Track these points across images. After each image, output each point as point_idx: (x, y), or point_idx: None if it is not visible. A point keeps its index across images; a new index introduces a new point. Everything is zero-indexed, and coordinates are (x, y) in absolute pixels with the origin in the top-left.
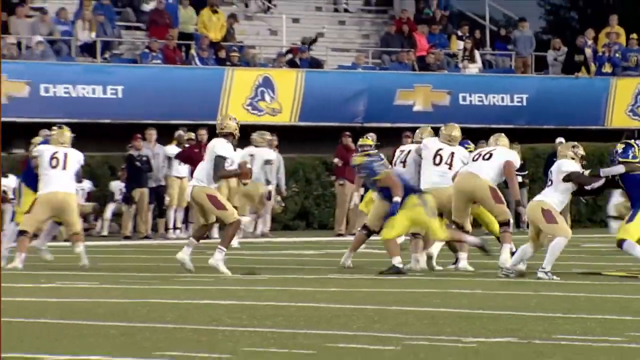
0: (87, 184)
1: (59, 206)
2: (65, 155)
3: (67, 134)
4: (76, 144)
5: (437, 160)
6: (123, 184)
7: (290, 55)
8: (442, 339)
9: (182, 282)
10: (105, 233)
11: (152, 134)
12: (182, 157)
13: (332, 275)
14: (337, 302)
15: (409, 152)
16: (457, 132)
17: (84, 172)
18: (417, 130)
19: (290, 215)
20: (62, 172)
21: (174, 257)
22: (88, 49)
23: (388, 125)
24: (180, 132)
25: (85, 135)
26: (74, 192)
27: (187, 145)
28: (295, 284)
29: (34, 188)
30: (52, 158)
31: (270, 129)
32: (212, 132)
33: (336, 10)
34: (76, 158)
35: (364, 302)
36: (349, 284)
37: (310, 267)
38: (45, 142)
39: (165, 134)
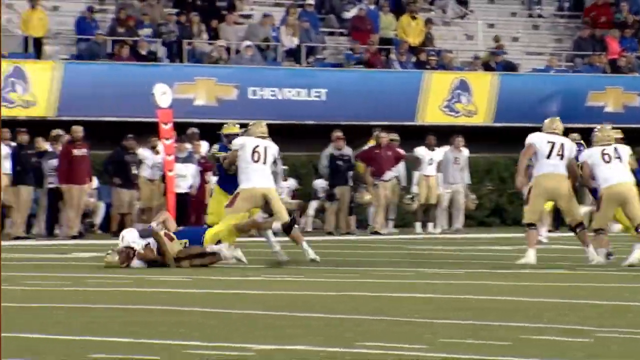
0: (292, 182)
1: (259, 202)
2: (265, 149)
3: (264, 123)
4: (281, 144)
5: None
6: (326, 182)
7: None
8: (634, 331)
9: (381, 276)
10: (309, 229)
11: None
12: (363, 157)
13: (526, 270)
14: (529, 296)
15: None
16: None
17: (289, 171)
18: None
19: (486, 212)
20: (262, 166)
21: (373, 252)
22: (293, 54)
23: (580, 125)
24: (377, 132)
25: (290, 136)
26: (274, 186)
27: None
28: (488, 278)
29: (228, 189)
30: (253, 152)
31: (466, 130)
32: (406, 134)
33: (530, 15)
34: (272, 151)
35: (555, 296)
36: (541, 278)
37: (504, 262)
38: (223, 147)
39: (366, 134)
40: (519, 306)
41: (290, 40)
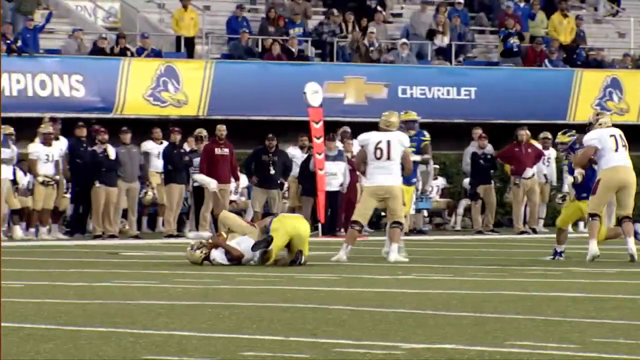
0: (441, 181)
1: (384, 197)
2: (389, 143)
3: (395, 113)
4: (430, 142)
5: None
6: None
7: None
8: None
9: (530, 275)
10: (458, 227)
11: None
12: (503, 155)
13: None
14: None
15: None
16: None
17: (440, 171)
18: None
19: None
20: (386, 163)
21: (518, 251)
22: (443, 53)
23: None
24: (522, 131)
25: (440, 135)
26: (398, 184)
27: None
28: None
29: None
30: (376, 148)
31: (618, 128)
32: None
33: None
34: (397, 144)
35: None
36: None
37: None
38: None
39: (511, 133)
40: None
41: (440, 39)
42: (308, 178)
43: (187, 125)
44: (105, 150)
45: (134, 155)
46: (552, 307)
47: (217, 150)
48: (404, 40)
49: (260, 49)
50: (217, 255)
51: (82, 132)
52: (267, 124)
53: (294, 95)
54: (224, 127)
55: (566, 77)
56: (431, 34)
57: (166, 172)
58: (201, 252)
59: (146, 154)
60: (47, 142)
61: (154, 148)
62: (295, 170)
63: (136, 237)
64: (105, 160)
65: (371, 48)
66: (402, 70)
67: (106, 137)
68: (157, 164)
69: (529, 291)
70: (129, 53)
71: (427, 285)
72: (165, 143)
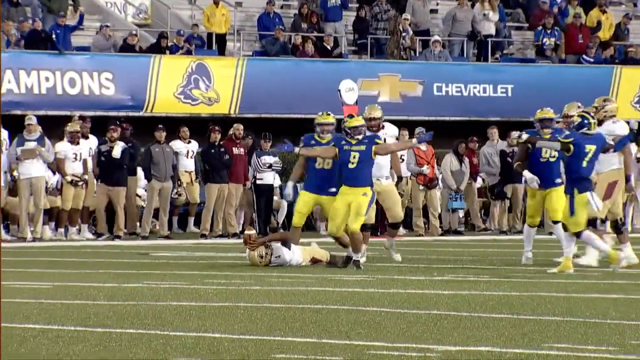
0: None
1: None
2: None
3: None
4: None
5: None
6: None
7: None
8: None
9: (568, 276)
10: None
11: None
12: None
13: None
14: None
15: None
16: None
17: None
18: None
19: None
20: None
21: (553, 251)
22: (478, 49)
23: None
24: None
25: (476, 133)
26: (390, 181)
27: None
28: None
29: None
30: None
31: None
32: None
33: None
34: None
35: None
36: None
37: None
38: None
39: None
40: None
41: (486, 25)
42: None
43: (219, 124)
44: (111, 148)
45: (167, 155)
46: (590, 309)
47: (235, 150)
48: (436, 37)
49: (291, 46)
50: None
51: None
52: (299, 122)
53: (327, 93)
54: (241, 126)
55: (605, 75)
56: (473, 36)
57: (204, 171)
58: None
59: (175, 154)
60: (74, 140)
61: (182, 147)
62: None
63: (167, 237)
64: (109, 159)
65: (404, 34)
66: (437, 67)
67: (115, 135)
68: (186, 163)
69: (567, 292)
70: (165, 51)
71: (462, 286)
72: (193, 142)
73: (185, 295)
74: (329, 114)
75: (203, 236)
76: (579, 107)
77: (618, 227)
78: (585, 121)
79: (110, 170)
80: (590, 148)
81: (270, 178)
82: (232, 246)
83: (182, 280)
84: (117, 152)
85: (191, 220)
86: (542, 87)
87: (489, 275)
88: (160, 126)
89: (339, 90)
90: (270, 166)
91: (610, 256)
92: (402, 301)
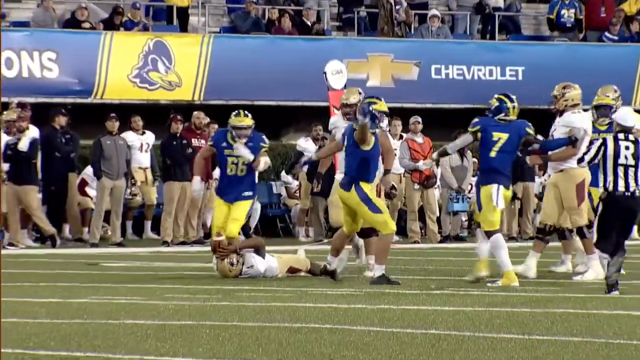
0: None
1: None
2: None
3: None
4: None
5: None
6: None
7: None
8: None
9: (588, 290)
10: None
11: None
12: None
13: None
14: None
15: None
16: None
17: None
18: None
19: None
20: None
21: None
22: (487, 22)
23: None
24: None
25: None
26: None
27: None
28: None
29: None
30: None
31: None
32: None
33: None
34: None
35: None
36: None
37: None
38: None
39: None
40: None
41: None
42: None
43: (181, 113)
44: (18, 140)
45: (121, 148)
46: (613, 327)
47: (194, 141)
48: (434, 12)
49: (265, 21)
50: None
51: (61, 120)
52: (274, 111)
53: (307, 76)
54: (202, 114)
55: (631, 54)
56: (480, 9)
57: (165, 167)
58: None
59: (128, 147)
60: (10, 131)
61: (136, 140)
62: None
63: (120, 244)
64: (15, 153)
65: (397, 7)
66: (436, 46)
67: (24, 124)
68: (140, 158)
69: (587, 308)
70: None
71: (464, 301)
72: (148, 133)
73: (142, 312)
74: (247, 115)
75: (165, 243)
76: (615, 91)
77: (582, 234)
78: (504, 105)
79: (16, 167)
80: (501, 136)
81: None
82: (196, 255)
83: (138, 294)
84: (23, 145)
85: (148, 224)
86: (557, 69)
87: (495, 288)
88: (113, 115)
89: (325, 73)
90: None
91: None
92: (395, 319)
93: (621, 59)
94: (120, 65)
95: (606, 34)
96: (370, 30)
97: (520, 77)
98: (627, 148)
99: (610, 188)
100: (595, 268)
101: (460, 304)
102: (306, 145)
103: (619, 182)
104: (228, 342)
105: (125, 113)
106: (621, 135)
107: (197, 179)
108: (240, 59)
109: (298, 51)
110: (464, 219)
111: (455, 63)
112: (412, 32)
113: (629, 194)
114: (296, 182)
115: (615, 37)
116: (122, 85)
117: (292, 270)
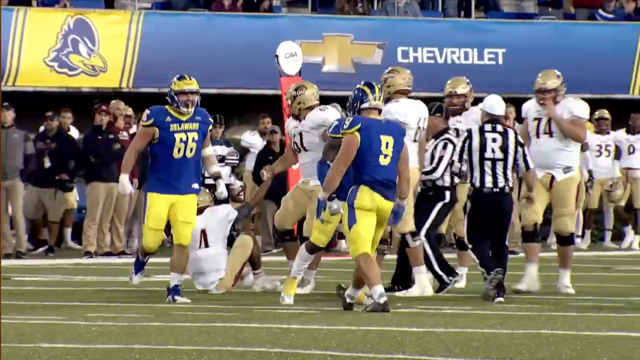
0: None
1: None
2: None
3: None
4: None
5: None
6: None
7: None
8: None
9: (580, 308)
10: None
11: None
12: None
13: None
14: None
15: None
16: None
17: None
18: None
19: None
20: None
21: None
22: (459, 2)
23: None
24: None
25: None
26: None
27: None
28: None
29: None
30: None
31: None
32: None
33: None
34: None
35: None
36: None
37: None
38: None
39: None
40: None
41: None
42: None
43: (107, 102)
44: None
45: (15, 143)
46: (609, 352)
47: (123, 135)
48: None
49: None
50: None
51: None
52: (216, 100)
53: (253, 60)
54: (121, 103)
55: (627, 35)
56: None
57: (88, 166)
58: None
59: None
60: None
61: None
62: (252, 164)
63: (20, 254)
64: None
65: None
66: (403, 25)
67: None
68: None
69: (578, 329)
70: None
71: (436, 321)
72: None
73: (61, 334)
74: (192, 79)
75: (87, 254)
76: (558, 76)
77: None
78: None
79: None
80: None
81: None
82: (122, 268)
83: (56, 313)
84: None
85: (68, 232)
86: (543, 52)
87: (471, 306)
88: (6, 104)
89: (277, 57)
90: (222, 159)
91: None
92: (356, 341)
93: (616, 40)
94: (35, 47)
95: (600, 11)
96: (326, 6)
97: (500, 61)
98: (494, 140)
99: (477, 184)
100: (422, 283)
101: (431, 324)
102: (252, 141)
103: (486, 177)
104: None
105: (42, 102)
106: (488, 127)
107: (125, 177)
108: (175, 39)
109: (242, 31)
110: None
111: (425, 45)
112: (376, 9)
113: (498, 190)
114: (239, 183)
115: (610, 16)
116: (37, 71)
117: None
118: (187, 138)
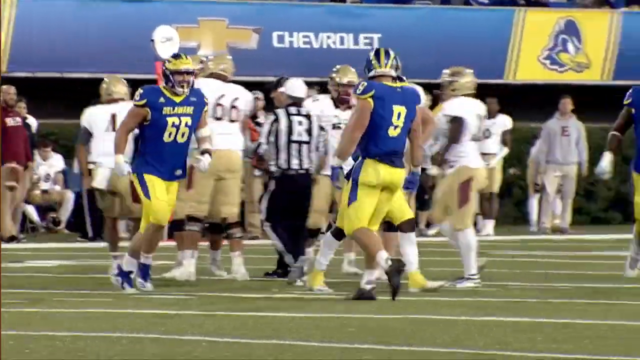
0: None
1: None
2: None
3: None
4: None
5: None
6: None
7: None
8: None
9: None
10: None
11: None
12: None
13: None
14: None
15: None
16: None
17: None
18: None
19: (603, 204)
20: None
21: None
22: None
23: None
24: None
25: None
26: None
27: None
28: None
29: None
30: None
31: (576, 89)
32: (493, 96)
33: None
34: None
35: None
36: None
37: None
38: None
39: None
40: None
41: None
42: None
43: None
44: None
45: None
46: (485, 337)
47: (9, 121)
48: None
49: None
50: None
51: None
52: (90, 84)
53: (128, 45)
54: (12, 88)
55: (504, 20)
56: None
57: None
58: None
59: None
60: None
61: None
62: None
63: None
64: None
65: None
66: (279, 9)
67: None
68: None
69: (454, 314)
70: None
71: (313, 307)
72: None
73: None
74: (189, 57)
75: None
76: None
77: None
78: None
79: None
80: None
81: None
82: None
83: None
84: None
85: None
86: (418, 37)
87: (348, 292)
88: None
89: (152, 41)
90: None
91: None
92: (231, 327)
93: (492, 25)
94: None
95: None
96: None
97: (375, 45)
98: (300, 123)
99: (285, 166)
100: (187, 264)
101: (309, 310)
102: None
103: (293, 160)
104: (36, 354)
105: None
106: (293, 109)
107: (120, 157)
108: (49, 24)
109: (116, 15)
110: None
111: (301, 30)
112: None
113: (304, 171)
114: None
115: (485, 0)
116: None
117: None
118: (180, 122)
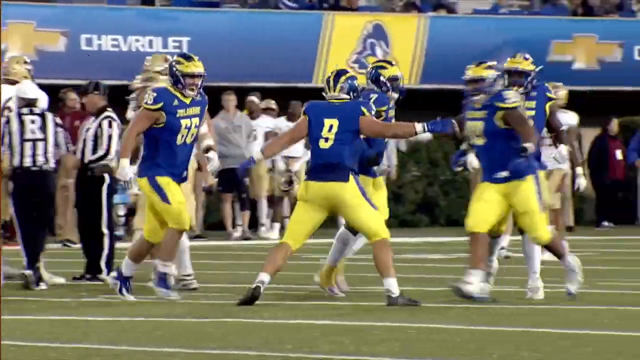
0: None
1: None
2: None
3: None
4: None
5: None
6: None
7: None
8: None
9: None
10: None
11: (232, 99)
12: None
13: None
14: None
15: None
16: None
17: None
18: None
19: (410, 207)
20: None
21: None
22: None
23: None
24: (252, 98)
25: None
26: None
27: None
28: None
29: None
30: None
31: None
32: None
33: None
34: None
35: None
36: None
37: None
38: None
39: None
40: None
41: None
42: None
43: None
44: None
45: None
46: (293, 341)
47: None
48: None
49: None
50: None
51: None
52: None
53: None
54: None
55: (313, 24)
56: None
57: None
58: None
59: None
60: None
61: None
62: None
63: None
64: None
65: None
66: (86, 12)
67: None
68: None
69: (263, 318)
70: None
71: (122, 311)
72: None
73: None
74: (199, 60)
75: None
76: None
77: None
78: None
79: None
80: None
81: None
82: None
83: None
84: None
85: None
86: (228, 41)
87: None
88: None
89: None
90: None
91: None
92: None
93: (301, 29)
94: None
95: (285, 1)
96: None
97: (185, 49)
98: (33, 122)
99: (17, 164)
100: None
101: (117, 314)
102: None
103: (26, 158)
104: None
105: None
106: (25, 110)
107: (125, 161)
108: None
109: None
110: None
111: (109, 32)
112: None
113: (37, 169)
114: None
115: (294, 4)
116: None
117: None
118: (191, 124)
